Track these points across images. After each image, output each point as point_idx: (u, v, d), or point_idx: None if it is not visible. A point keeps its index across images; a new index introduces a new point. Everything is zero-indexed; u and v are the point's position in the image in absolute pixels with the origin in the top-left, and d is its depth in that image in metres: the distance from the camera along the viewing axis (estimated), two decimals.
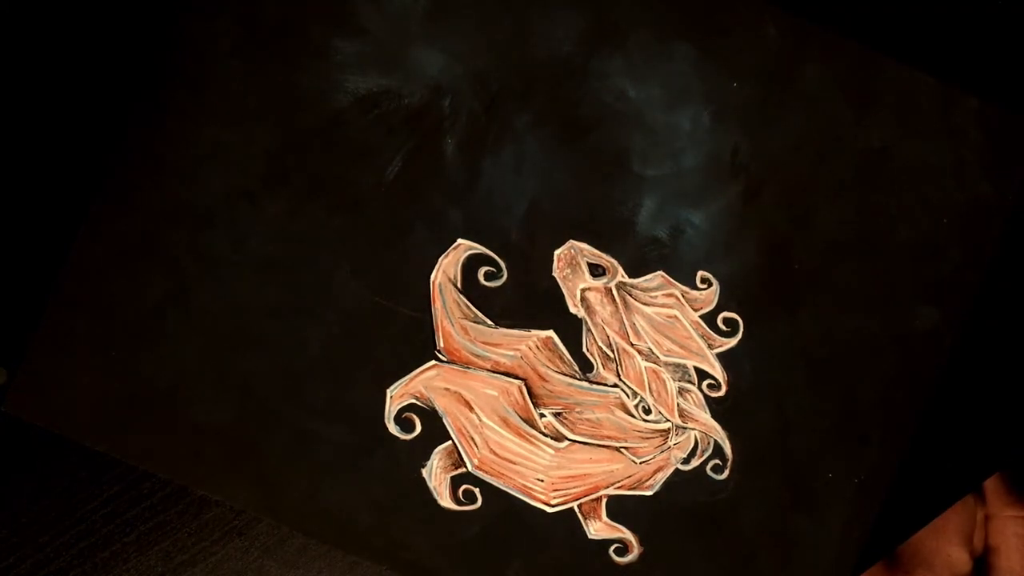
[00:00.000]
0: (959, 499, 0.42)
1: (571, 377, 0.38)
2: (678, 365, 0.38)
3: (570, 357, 0.38)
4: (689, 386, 0.38)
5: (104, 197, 0.37)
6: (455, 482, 0.38)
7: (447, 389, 0.38)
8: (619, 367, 0.38)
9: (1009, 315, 0.40)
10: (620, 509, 0.38)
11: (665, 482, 0.39)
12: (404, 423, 0.38)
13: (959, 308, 0.38)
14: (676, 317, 0.38)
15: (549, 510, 0.38)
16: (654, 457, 0.38)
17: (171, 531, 0.39)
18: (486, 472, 0.38)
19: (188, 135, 0.37)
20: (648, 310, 0.38)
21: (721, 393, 0.39)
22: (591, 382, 0.38)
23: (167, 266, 0.37)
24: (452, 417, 0.38)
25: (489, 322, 0.38)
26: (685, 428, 0.38)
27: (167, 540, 0.39)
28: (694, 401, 0.38)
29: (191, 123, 0.37)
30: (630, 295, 0.38)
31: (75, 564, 0.39)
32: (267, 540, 0.40)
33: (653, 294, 0.38)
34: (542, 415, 0.38)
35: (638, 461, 0.38)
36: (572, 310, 0.38)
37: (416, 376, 0.38)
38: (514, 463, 0.38)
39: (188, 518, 0.40)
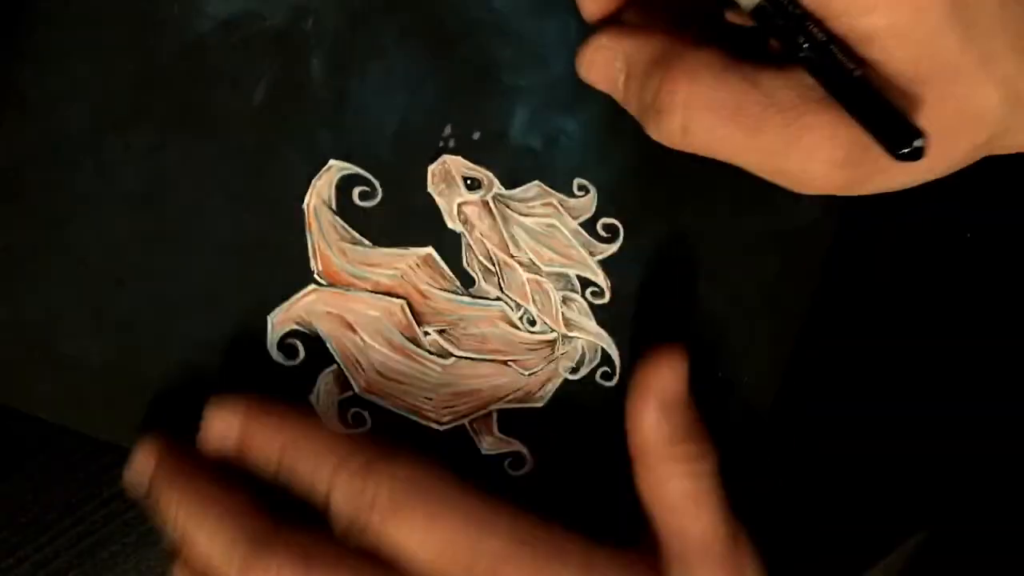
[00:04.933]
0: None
1: (453, 293, 0.38)
2: (560, 274, 0.38)
3: (451, 273, 0.38)
4: (573, 295, 0.38)
5: None
6: (343, 405, 0.38)
7: (329, 313, 0.37)
8: (501, 280, 0.38)
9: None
10: (511, 423, 0.38)
11: (555, 393, 0.38)
12: (288, 349, 0.37)
13: (838, 201, 0.38)
14: (555, 226, 0.38)
15: (440, 428, 0.38)
16: (542, 368, 0.38)
17: None
18: (374, 394, 0.38)
19: (47, 70, 0.36)
20: (527, 221, 0.38)
21: (605, 300, 0.38)
22: (473, 297, 0.38)
23: (35, 205, 0.36)
24: (336, 341, 0.37)
25: (367, 243, 0.37)
26: (571, 337, 0.38)
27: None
28: (578, 310, 0.38)
29: (49, 58, 0.36)
30: (508, 207, 0.38)
31: (75, 564, 0.38)
32: None
33: (531, 204, 0.38)
34: (426, 333, 0.38)
35: (526, 373, 0.38)
36: (450, 225, 0.38)
37: (296, 302, 0.37)
38: (401, 383, 0.38)
39: None
